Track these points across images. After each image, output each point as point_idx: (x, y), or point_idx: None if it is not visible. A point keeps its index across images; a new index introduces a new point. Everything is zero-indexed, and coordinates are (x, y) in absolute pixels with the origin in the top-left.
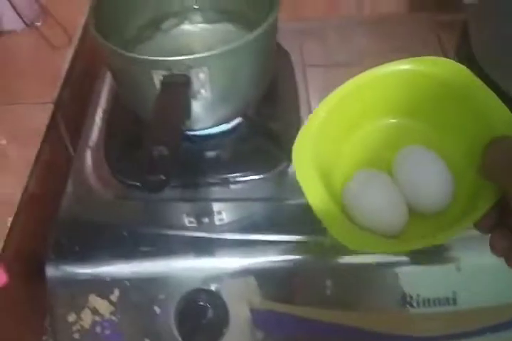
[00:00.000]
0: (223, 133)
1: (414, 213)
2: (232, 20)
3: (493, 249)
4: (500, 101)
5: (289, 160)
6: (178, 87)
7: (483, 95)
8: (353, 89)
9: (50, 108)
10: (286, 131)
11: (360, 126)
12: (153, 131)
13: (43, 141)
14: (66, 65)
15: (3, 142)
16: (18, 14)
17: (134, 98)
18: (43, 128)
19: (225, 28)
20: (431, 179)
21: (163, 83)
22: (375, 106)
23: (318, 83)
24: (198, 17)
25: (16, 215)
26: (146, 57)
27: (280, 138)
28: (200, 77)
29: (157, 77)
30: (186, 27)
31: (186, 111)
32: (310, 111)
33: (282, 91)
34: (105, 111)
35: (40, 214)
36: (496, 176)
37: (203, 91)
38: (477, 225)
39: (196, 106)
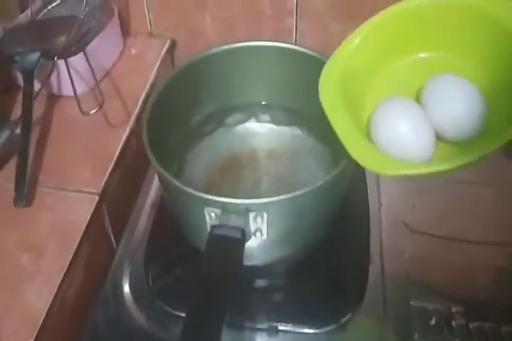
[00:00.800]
0: (279, 265)
1: (444, 141)
2: (301, 124)
3: None
4: None
5: (354, 311)
6: (231, 243)
7: None
8: (387, 19)
9: (94, 200)
10: (352, 274)
11: (391, 58)
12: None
13: (82, 239)
14: (119, 146)
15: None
16: (71, 80)
17: (183, 221)
18: (83, 225)
19: (292, 131)
20: (459, 105)
21: (213, 235)
22: (406, 37)
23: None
24: (266, 116)
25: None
26: (200, 194)
27: (345, 283)
28: (257, 221)
29: (209, 214)
30: (252, 125)
31: (237, 266)
32: (381, 248)
33: (353, 218)
34: (153, 206)
35: (66, 331)
36: None
37: (258, 234)
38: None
39: (249, 244)
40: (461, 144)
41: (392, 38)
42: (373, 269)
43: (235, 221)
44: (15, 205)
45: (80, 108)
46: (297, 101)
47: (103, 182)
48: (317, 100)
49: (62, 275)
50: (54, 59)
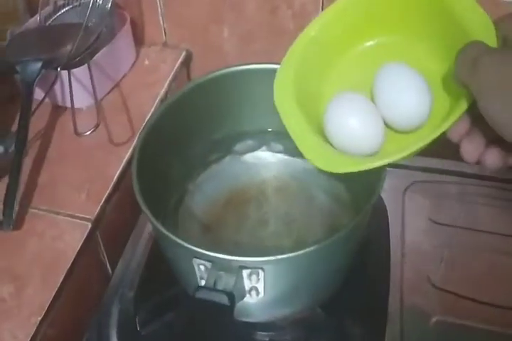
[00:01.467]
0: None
1: (393, 131)
2: None
3: (464, 154)
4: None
5: None
6: (217, 309)
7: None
8: (339, 10)
9: (87, 227)
10: (367, 336)
11: (344, 49)
12: None
13: (70, 271)
14: (120, 167)
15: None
16: (71, 94)
17: (173, 267)
18: (72, 255)
19: (306, 164)
20: (407, 97)
21: (197, 299)
22: (353, 28)
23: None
24: (278, 145)
25: None
26: (188, 245)
27: None
28: (251, 279)
29: (198, 266)
30: (263, 154)
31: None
32: (401, 306)
33: (371, 269)
34: (151, 236)
35: None
36: (462, 77)
37: (254, 293)
38: (449, 133)
39: (244, 301)
40: (410, 133)
41: (340, 30)
42: (391, 331)
43: (225, 279)
44: (1, 229)
45: (75, 128)
46: None
47: (98, 207)
48: None
49: (43, 313)
50: (57, 69)
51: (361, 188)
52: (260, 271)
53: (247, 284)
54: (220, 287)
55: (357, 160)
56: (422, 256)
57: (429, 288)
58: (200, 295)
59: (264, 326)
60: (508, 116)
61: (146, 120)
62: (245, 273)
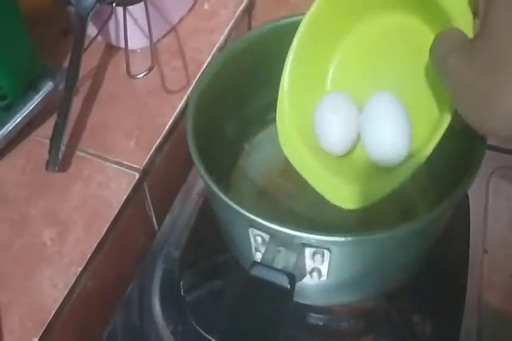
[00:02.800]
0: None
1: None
2: None
3: None
4: None
5: None
6: (274, 291)
7: None
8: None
9: (135, 176)
10: None
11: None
12: None
13: (114, 222)
14: (173, 116)
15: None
16: (125, 33)
17: (226, 234)
18: (118, 205)
19: None
20: (387, 137)
21: (252, 277)
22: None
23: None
24: None
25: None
26: (244, 212)
27: None
28: (315, 259)
29: (254, 237)
30: None
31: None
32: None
33: (446, 264)
34: (202, 194)
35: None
36: (436, 72)
37: (315, 274)
38: None
39: (303, 282)
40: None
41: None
42: (466, 333)
43: (285, 256)
44: (46, 169)
45: (128, 69)
46: None
47: (147, 156)
48: None
49: (84, 264)
50: (112, 5)
51: (444, 172)
52: (326, 252)
53: (308, 264)
54: (279, 265)
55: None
56: (507, 251)
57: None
58: (257, 272)
59: (319, 308)
60: (476, 120)
61: (203, 69)
62: (308, 251)
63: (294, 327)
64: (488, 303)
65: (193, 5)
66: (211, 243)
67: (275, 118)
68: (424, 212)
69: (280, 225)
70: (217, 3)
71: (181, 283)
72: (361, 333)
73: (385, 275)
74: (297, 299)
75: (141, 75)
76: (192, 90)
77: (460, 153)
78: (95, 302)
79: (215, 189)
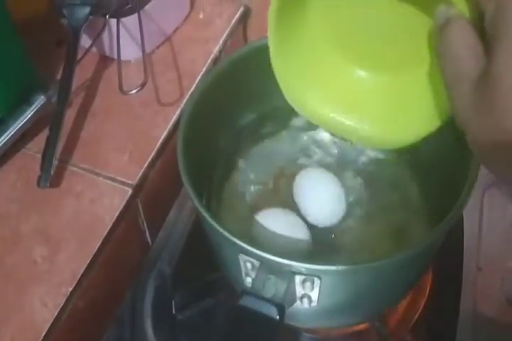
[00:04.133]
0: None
1: None
2: None
3: None
4: None
5: None
6: (263, 321)
7: None
8: None
9: (127, 192)
10: None
11: None
12: None
13: (106, 239)
14: (166, 129)
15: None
16: (118, 45)
17: (216, 256)
18: (110, 222)
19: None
20: (319, 209)
21: (241, 306)
22: None
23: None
24: None
25: None
26: (234, 239)
27: None
28: (305, 286)
29: (244, 263)
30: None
31: None
32: (475, 326)
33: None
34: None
35: None
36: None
37: (306, 300)
38: None
39: (294, 307)
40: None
41: None
42: None
43: (274, 283)
44: (38, 185)
45: (121, 85)
46: None
47: (141, 171)
48: None
49: (75, 283)
50: (106, 17)
51: (439, 188)
52: (316, 279)
53: (298, 291)
54: (268, 293)
55: None
56: (502, 270)
57: (508, 308)
58: (246, 303)
59: (311, 328)
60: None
61: (197, 81)
62: (298, 279)
63: None
64: (481, 324)
65: (188, 14)
66: (204, 260)
67: (268, 132)
68: (416, 225)
69: (270, 253)
70: (212, 13)
71: (173, 301)
72: None
73: (377, 299)
74: (288, 322)
75: (133, 91)
76: (183, 107)
77: (453, 168)
78: (86, 321)
79: (205, 214)
